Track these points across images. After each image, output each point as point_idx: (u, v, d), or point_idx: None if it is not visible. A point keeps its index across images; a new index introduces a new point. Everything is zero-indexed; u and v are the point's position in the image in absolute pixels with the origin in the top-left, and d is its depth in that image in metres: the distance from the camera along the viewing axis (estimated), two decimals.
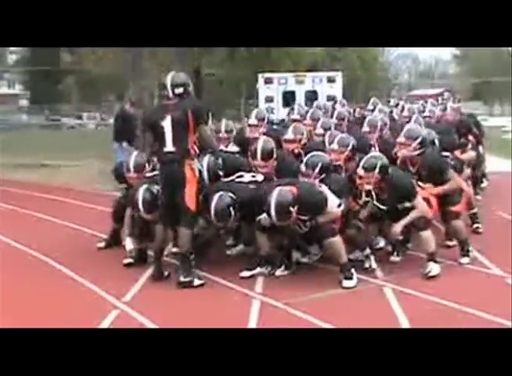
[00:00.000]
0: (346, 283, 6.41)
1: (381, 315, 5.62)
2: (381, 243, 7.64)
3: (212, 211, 6.71)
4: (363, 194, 6.85)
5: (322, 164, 6.94)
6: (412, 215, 6.68)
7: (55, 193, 13.14)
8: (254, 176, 7.11)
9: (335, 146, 7.43)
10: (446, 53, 71.49)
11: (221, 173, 7.20)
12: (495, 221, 9.20)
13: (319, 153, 7.16)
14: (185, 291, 6.40)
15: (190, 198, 6.54)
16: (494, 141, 19.15)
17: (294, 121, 9.41)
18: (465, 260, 7.17)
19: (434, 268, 6.67)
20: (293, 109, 10.36)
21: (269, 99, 18.59)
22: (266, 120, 8.86)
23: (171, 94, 6.62)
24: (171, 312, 5.82)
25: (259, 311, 5.81)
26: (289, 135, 7.97)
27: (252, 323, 5.49)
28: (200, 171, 6.85)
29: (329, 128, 8.40)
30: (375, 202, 6.80)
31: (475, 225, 8.56)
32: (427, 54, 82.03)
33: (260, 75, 20.05)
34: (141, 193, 6.93)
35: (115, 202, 8.22)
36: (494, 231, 8.54)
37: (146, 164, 7.59)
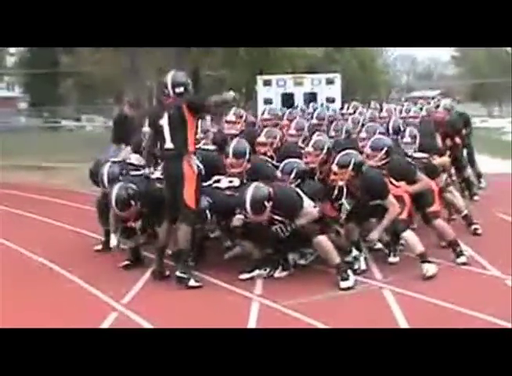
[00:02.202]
0: (343, 284, 6.42)
1: (380, 316, 5.62)
2: (379, 244, 7.64)
3: None
4: (335, 191, 6.89)
5: (298, 170, 7.01)
6: (386, 219, 6.76)
7: (54, 195, 13.11)
8: (231, 182, 7.11)
9: (310, 148, 7.42)
10: (445, 55, 71.44)
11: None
12: (494, 222, 9.18)
13: (295, 159, 7.21)
14: (184, 292, 6.40)
15: (189, 195, 6.58)
16: (493, 142, 19.16)
17: (265, 120, 9.50)
18: (462, 259, 7.17)
19: (429, 268, 6.69)
20: (264, 110, 10.47)
21: (268, 101, 18.57)
22: (244, 117, 8.89)
23: (171, 93, 6.68)
24: (169, 314, 5.82)
25: (258, 313, 5.81)
26: (261, 138, 8.03)
27: (251, 325, 5.50)
28: (200, 168, 6.85)
29: (303, 129, 8.39)
30: (343, 200, 6.85)
31: (473, 227, 8.54)
32: (425, 56, 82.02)
33: (259, 77, 20.06)
34: (115, 191, 6.93)
35: (96, 203, 8.23)
36: (493, 232, 8.53)
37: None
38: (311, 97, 17.89)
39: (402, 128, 8.73)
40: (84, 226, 9.38)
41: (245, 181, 6.97)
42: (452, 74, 73.07)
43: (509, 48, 55.80)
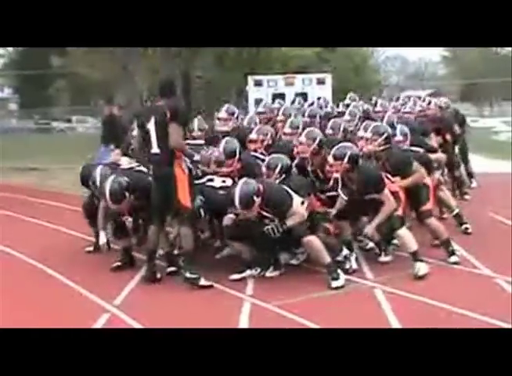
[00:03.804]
0: (334, 283, 6.43)
1: (371, 316, 5.63)
2: (371, 243, 7.65)
3: None
4: (330, 182, 6.95)
5: (282, 165, 7.02)
6: (382, 214, 6.74)
7: (45, 196, 13.10)
8: (224, 181, 7.11)
9: (303, 138, 7.45)
10: (435, 55, 71.60)
11: None
12: (485, 221, 9.21)
13: (280, 155, 7.22)
14: (176, 293, 6.40)
15: (184, 196, 6.56)
16: (484, 142, 19.22)
17: (260, 113, 9.53)
18: (453, 259, 7.18)
19: (421, 267, 6.70)
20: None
21: (259, 102, 18.54)
22: (236, 115, 8.90)
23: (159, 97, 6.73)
24: (161, 315, 5.81)
25: (250, 313, 5.81)
26: (252, 135, 8.07)
27: (243, 326, 5.50)
28: (190, 168, 6.88)
29: (298, 127, 8.41)
30: (339, 191, 6.89)
31: (464, 226, 8.56)
32: (416, 56, 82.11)
33: (249, 77, 20.02)
34: (108, 184, 6.89)
35: (84, 204, 8.23)
36: (484, 232, 8.55)
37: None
38: (302, 97, 17.88)
39: (395, 125, 8.73)
40: (75, 228, 9.35)
41: (236, 180, 6.96)
42: (442, 74, 73.26)
43: (499, 49, 56.06)
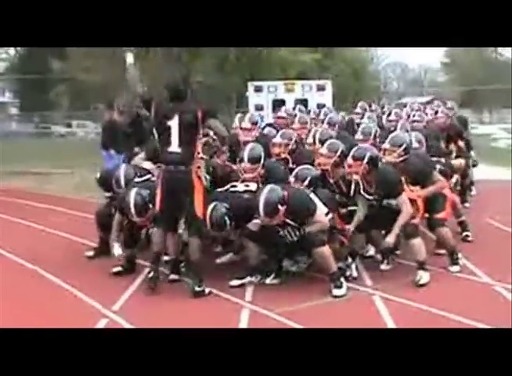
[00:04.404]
0: (336, 291, 6.42)
1: (371, 323, 5.62)
2: (371, 251, 7.65)
3: (208, 221, 6.65)
4: (352, 186, 6.93)
5: (311, 177, 7.01)
6: (400, 220, 6.69)
7: (45, 200, 13.09)
8: (247, 186, 7.08)
9: (324, 150, 7.44)
10: (435, 61, 71.81)
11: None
12: (485, 229, 9.21)
13: (309, 166, 7.22)
14: (175, 299, 6.40)
15: (198, 206, 6.49)
16: (483, 149, 19.21)
17: (279, 118, 9.53)
18: (455, 268, 7.18)
19: (423, 276, 6.70)
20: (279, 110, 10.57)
21: (259, 108, 18.56)
22: (259, 124, 8.90)
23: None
24: (160, 321, 5.79)
25: (249, 320, 5.80)
26: (276, 138, 8.05)
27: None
28: (206, 178, 6.84)
29: (306, 123, 8.39)
30: (362, 192, 6.85)
31: (464, 234, 8.57)
32: (416, 63, 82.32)
33: (249, 83, 20.04)
34: (132, 197, 6.88)
35: (99, 211, 8.21)
36: (484, 239, 8.56)
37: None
38: (302, 103, 17.89)
39: (409, 131, 8.74)
40: (76, 233, 9.37)
41: (260, 185, 6.94)
42: (442, 81, 73.34)
43: (498, 55, 56.11)
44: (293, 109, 11.17)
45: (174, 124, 6.43)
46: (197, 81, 33.20)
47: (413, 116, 10.90)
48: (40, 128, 45.60)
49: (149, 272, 6.71)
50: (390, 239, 6.78)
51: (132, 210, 6.87)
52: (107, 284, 6.97)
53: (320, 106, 16.60)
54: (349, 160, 6.82)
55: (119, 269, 7.32)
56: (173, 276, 6.99)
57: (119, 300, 6.40)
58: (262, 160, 7.19)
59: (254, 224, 6.61)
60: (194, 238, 6.56)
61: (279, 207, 6.29)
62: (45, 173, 18.16)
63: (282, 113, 10.18)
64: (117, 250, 7.49)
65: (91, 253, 8.18)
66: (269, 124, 10.03)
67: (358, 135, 8.56)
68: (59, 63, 36.94)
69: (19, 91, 53.05)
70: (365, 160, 6.71)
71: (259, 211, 6.30)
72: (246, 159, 7.13)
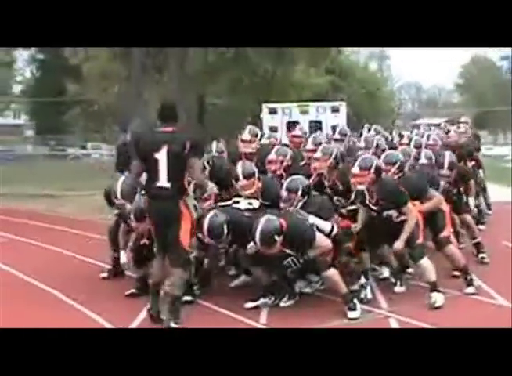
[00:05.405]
0: (350, 314, 6.39)
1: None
2: (385, 273, 7.62)
3: (205, 228, 6.52)
4: (351, 195, 6.97)
5: (303, 186, 6.95)
6: (407, 228, 6.69)
7: (60, 223, 13.15)
8: (250, 204, 7.02)
9: (319, 154, 7.47)
10: (449, 83, 71.96)
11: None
12: (500, 250, 9.16)
13: (297, 176, 7.14)
14: (189, 320, 6.34)
15: (184, 236, 6.11)
16: (498, 170, 19.14)
17: (295, 137, 9.52)
18: (470, 290, 7.13)
19: (438, 298, 6.65)
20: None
21: (273, 129, 18.56)
22: (259, 136, 8.90)
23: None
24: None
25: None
26: (271, 155, 7.99)
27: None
28: (196, 208, 6.44)
29: (320, 144, 8.11)
30: (367, 202, 6.84)
31: (480, 256, 8.53)
32: (430, 83, 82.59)
33: (264, 105, 20.06)
34: (134, 204, 6.83)
35: (109, 228, 8.24)
36: (499, 261, 8.50)
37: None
38: (316, 125, 17.89)
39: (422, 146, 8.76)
40: (90, 254, 9.39)
41: (260, 200, 6.97)
42: (456, 102, 73.39)
43: None
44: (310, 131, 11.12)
45: (161, 156, 6.01)
46: (212, 103, 33.37)
47: (428, 140, 10.85)
48: (55, 150, 45.83)
49: (149, 310, 6.48)
50: (398, 245, 6.76)
51: (132, 214, 6.79)
52: (122, 305, 6.96)
53: (335, 128, 16.61)
54: (355, 169, 6.78)
55: (132, 291, 7.32)
56: (186, 298, 6.89)
57: (133, 321, 6.40)
58: (256, 174, 7.18)
59: (250, 247, 6.53)
60: (178, 269, 6.09)
61: (276, 237, 6.21)
62: (60, 195, 18.26)
63: (297, 131, 10.13)
64: (122, 258, 7.60)
65: (105, 274, 8.20)
66: (285, 145, 10.02)
67: (361, 143, 8.56)
68: (74, 86, 37.30)
69: (34, 113, 53.43)
70: (373, 169, 6.71)
71: (256, 241, 6.26)
72: (241, 176, 7.11)
